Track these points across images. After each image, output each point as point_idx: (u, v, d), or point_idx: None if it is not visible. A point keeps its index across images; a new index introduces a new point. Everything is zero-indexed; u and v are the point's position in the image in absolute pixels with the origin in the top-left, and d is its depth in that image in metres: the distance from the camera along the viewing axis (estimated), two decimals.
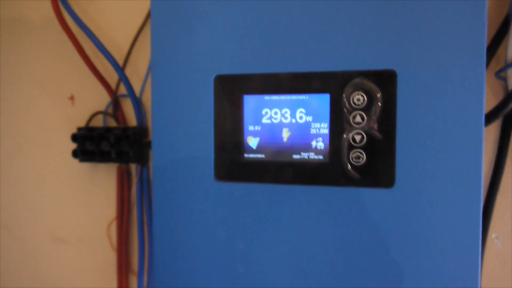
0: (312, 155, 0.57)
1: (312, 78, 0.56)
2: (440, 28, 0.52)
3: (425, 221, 0.53)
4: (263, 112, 0.59)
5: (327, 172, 0.57)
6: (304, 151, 0.57)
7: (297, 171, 0.58)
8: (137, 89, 0.88)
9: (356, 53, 0.54)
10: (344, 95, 0.55)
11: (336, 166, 0.56)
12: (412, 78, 0.53)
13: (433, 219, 0.53)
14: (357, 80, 0.55)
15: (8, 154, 1.01)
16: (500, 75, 0.68)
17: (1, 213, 1.02)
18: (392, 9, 0.53)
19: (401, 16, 0.53)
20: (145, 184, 0.88)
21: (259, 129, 0.59)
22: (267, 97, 0.58)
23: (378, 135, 0.54)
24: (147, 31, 0.88)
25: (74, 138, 0.88)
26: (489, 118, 0.63)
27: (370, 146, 0.55)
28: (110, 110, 0.90)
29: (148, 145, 0.87)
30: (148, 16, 0.87)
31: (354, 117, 0.55)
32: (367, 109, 0.54)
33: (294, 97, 0.57)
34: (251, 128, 0.59)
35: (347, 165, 0.56)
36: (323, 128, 0.56)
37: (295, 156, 0.58)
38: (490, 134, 0.72)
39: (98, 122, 0.92)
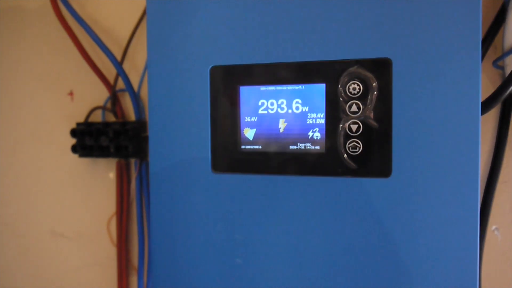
0: (309, 146, 0.57)
1: (308, 68, 0.56)
2: (436, 16, 0.52)
3: (423, 210, 0.53)
4: (260, 103, 0.59)
5: (324, 162, 0.57)
6: (301, 142, 0.57)
7: (294, 162, 0.58)
8: (135, 83, 0.88)
9: (351, 42, 0.54)
10: (339, 85, 0.55)
11: (333, 156, 0.56)
12: (407, 66, 0.53)
13: (430, 208, 0.53)
14: (352, 69, 0.54)
15: (8, 150, 1.01)
16: (497, 64, 0.68)
17: (1, 209, 1.03)
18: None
19: (396, 4, 0.52)
20: (144, 179, 0.88)
21: (255, 120, 0.59)
22: (263, 88, 0.58)
23: (374, 124, 0.54)
24: (145, 25, 0.88)
25: (73, 133, 0.88)
26: (486, 105, 0.62)
27: (366, 135, 0.55)
28: (109, 105, 0.90)
29: (147, 139, 0.87)
30: (146, 11, 0.86)
31: (350, 106, 0.55)
32: (363, 98, 0.54)
33: (290, 87, 0.57)
34: (247, 119, 0.59)
35: (343, 155, 0.56)
36: (320, 118, 0.56)
37: (292, 147, 0.58)
38: (488, 123, 0.72)
39: (97, 117, 0.93)
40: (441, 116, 0.52)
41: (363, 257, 0.55)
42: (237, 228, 0.60)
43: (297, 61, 0.57)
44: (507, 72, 0.66)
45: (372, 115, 0.54)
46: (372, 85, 0.54)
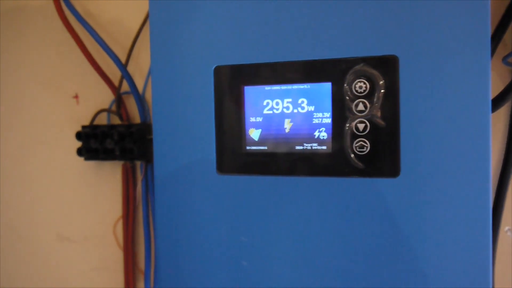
0: (315, 146, 0.56)
1: (313, 67, 0.55)
2: (443, 12, 0.50)
3: (432, 211, 0.52)
4: (264, 103, 0.58)
5: (330, 162, 0.56)
6: (307, 142, 0.56)
7: (300, 163, 0.57)
8: (140, 85, 0.88)
9: (357, 39, 0.53)
10: (346, 83, 0.54)
11: (340, 156, 0.55)
12: (415, 63, 0.51)
13: (440, 209, 0.51)
14: (358, 67, 0.53)
15: (13, 153, 1.01)
16: (507, 60, 0.67)
17: (7, 213, 1.03)
18: None
19: (402, 0, 0.51)
20: (150, 181, 0.88)
21: (260, 120, 0.58)
22: (268, 88, 0.57)
23: (381, 122, 0.53)
24: (148, 28, 0.87)
25: (79, 136, 0.88)
26: (496, 103, 0.61)
27: (373, 135, 0.54)
28: (114, 108, 0.90)
29: (152, 141, 0.87)
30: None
31: (356, 105, 0.54)
32: (369, 96, 0.53)
33: (295, 86, 0.56)
34: (252, 119, 0.58)
35: (350, 155, 0.55)
36: (326, 117, 0.55)
37: (298, 147, 0.57)
38: (499, 121, 0.70)
39: (103, 120, 0.92)
40: (450, 114, 0.51)
41: (372, 258, 0.54)
42: (242, 230, 0.59)
43: (302, 60, 0.56)
44: None
45: (379, 113, 0.53)
46: (378, 83, 0.53)
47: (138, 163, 0.90)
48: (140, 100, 0.86)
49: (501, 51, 0.69)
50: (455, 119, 0.50)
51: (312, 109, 0.56)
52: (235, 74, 0.58)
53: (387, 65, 0.52)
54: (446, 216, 0.51)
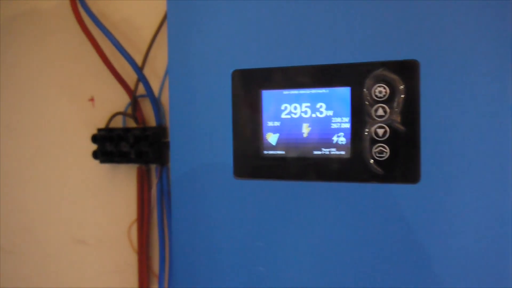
0: (334, 151, 0.55)
1: (332, 71, 0.55)
2: (465, 16, 0.50)
3: (453, 218, 0.51)
4: (282, 107, 0.57)
5: (349, 168, 0.55)
6: (325, 147, 0.56)
7: (318, 168, 0.56)
8: (155, 89, 0.88)
9: (377, 44, 0.53)
10: (365, 88, 0.53)
11: (359, 162, 0.55)
12: (436, 68, 0.51)
13: (461, 216, 0.51)
14: (378, 72, 0.53)
15: (29, 156, 1.01)
16: None
17: (23, 215, 1.03)
18: None
19: (423, 3, 0.51)
20: (165, 185, 0.87)
21: (278, 124, 0.58)
22: (286, 92, 0.57)
23: (401, 128, 0.52)
24: (165, 30, 0.87)
25: (94, 139, 0.88)
26: None
27: (393, 140, 0.53)
28: (129, 111, 0.90)
29: (168, 145, 0.87)
30: (166, 17, 0.86)
31: (376, 110, 0.53)
32: (389, 101, 0.53)
33: (314, 91, 0.56)
34: (270, 124, 0.58)
35: (369, 160, 0.54)
36: (344, 122, 0.55)
37: (316, 152, 0.56)
38: None
39: (118, 123, 0.92)
40: (471, 119, 0.50)
41: (390, 265, 0.53)
42: (259, 235, 0.58)
43: (321, 64, 0.55)
44: None
45: (399, 119, 0.52)
46: (398, 88, 0.52)
47: (153, 167, 0.90)
48: (156, 103, 0.86)
49: None
50: (476, 124, 0.50)
51: (331, 113, 0.55)
52: (253, 78, 0.58)
53: (407, 70, 0.52)
54: (467, 223, 0.51)
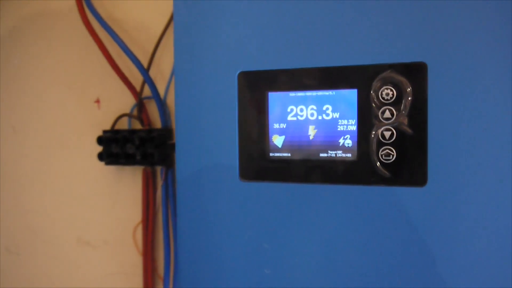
0: (340, 153, 0.55)
1: (339, 73, 0.55)
2: (472, 18, 0.49)
3: (460, 221, 0.50)
4: (289, 109, 0.57)
5: (355, 170, 0.55)
6: (332, 149, 0.56)
7: (324, 170, 0.56)
8: (161, 90, 0.88)
9: (384, 46, 0.52)
10: (372, 90, 0.53)
11: (365, 164, 0.54)
12: (443, 70, 0.50)
13: (469, 219, 0.50)
14: (385, 74, 0.52)
15: (35, 157, 1.02)
16: None
17: (29, 216, 1.03)
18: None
19: (431, 4, 0.50)
20: (170, 187, 0.87)
21: (284, 127, 0.57)
22: (292, 94, 0.57)
23: (408, 130, 0.52)
24: (171, 32, 0.87)
25: (100, 140, 0.88)
26: None
27: (400, 143, 0.52)
28: (135, 112, 0.90)
29: (173, 147, 0.87)
30: (172, 17, 0.86)
31: (383, 113, 0.53)
32: (396, 103, 0.52)
33: (320, 93, 0.56)
34: (276, 126, 0.58)
35: (376, 163, 0.54)
36: (351, 124, 0.54)
37: (322, 155, 0.56)
38: None
39: (124, 125, 0.92)
40: (479, 122, 0.49)
41: (397, 268, 0.53)
42: (265, 237, 0.58)
43: (328, 66, 0.55)
44: None
45: (406, 121, 0.52)
46: (406, 90, 0.52)
47: (159, 168, 0.90)
48: (162, 105, 0.86)
49: None
50: (484, 127, 0.49)
51: (337, 116, 0.55)
52: (259, 80, 0.58)
53: (415, 72, 0.51)
54: (474, 226, 0.50)
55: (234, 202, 0.59)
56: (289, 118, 0.57)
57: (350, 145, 0.55)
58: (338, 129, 0.55)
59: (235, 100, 0.59)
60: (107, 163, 0.89)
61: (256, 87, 0.58)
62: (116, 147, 0.87)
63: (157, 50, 0.88)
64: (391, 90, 0.52)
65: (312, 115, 0.56)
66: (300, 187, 0.57)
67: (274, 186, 0.58)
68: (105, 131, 0.89)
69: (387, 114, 0.53)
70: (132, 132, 0.86)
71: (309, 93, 0.56)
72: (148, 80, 0.84)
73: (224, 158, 0.59)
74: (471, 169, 0.50)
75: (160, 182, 0.89)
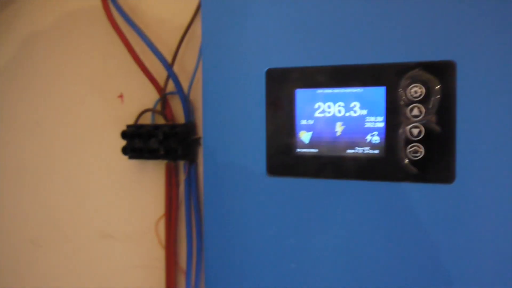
0: (367, 150, 0.56)
1: (367, 71, 0.55)
2: (502, 17, 0.50)
3: (488, 218, 0.51)
4: (316, 106, 0.58)
5: (383, 167, 0.55)
6: (359, 146, 0.56)
7: (351, 166, 0.56)
8: (185, 86, 0.89)
9: (413, 44, 0.53)
10: (400, 88, 0.54)
11: (393, 161, 0.55)
12: (472, 69, 0.51)
13: (496, 216, 0.51)
14: (414, 72, 0.53)
15: (58, 152, 1.03)
16: None
17: (51, 210, 1.05)
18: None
19: (460, 4, 0.51)
20: (193, 182, 0.88)
21: (312, 123, 0.58)
22: (320, 91, 0.57)
23: (437, 128, 0.52)
24: (195, 28, 0.88)
25: (124, 135, 0.89)
26: None
27: (428, 140, 0.53)
28: (158, 108, 0.91)
29: (196, 142, 0.88)
30: (196, 13, 0.87)
31: (411, 110, 0.53)
32: (425, 101, 0.53)
33: (348, 90, 0.56)
34: (303, 122, 0.58)
35: (404, 160, 0.54)
36: (379, 121, 0.55)
37: (349, 151, 0.57)
38: None
39: (147, 120, 0.94)
40: (507, 120, 0.50)
41: (423, 265, 0.53)
42: (292, 232, 0.59)
43: (356, 64, 0.55)
44: None
45: (434, 119, 0.53)
46: (434, 88, 0.52)
47: (181, 163, 0.91)
48: (186, 100, 0.87)
49: None
50: (509, 127, 0.50)
51: (365, 112, 0.56)
52: (287, 76, 0.59)
53: (444, 70, 0.52)
54: (501, 223, 0.51)
55: (261, 197, 0.60)
56: (317, 114, 0.58)
57: (377, 142, 0.55)
58: (366, 125, 0.56)
59: (263, 96, 0.59)
60: (131, 157, 0.90)
61: (284, 84, 0.59)
62: (139, 141, 0.88)
63: (181, 45, 0.89)
64: (420, 88, 0.53)
65: (339, 111, 0.57)
66: (327, 182, 0.57)
67: (301, 182, 0.59)
68: (128, 126, 0.90)
69: (416, 111, 0.53)
70: (156, 127, 0.87)
71: (337, 90, 0.57)
72: (172, 75, 0.86)
73: (252, 153, 0.60)
74: (499, 168, 0.50)
75: (183, 177, 0.90)
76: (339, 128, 0.57)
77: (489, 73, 0.50)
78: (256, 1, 0.59)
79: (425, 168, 0.53)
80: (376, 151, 0.55)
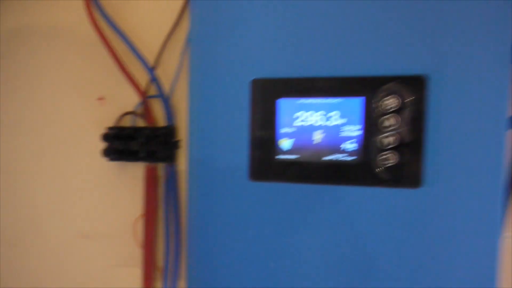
0: (344, 156, 0.60)
1: (346, 82, 0.59)
2: (467, 38, 0.55)
3: (451, 219, 0.56)
4: (297, 115, 0.61)
5: (358, 172, 0.59)
6: (336, 153, 0.60)
7: (329, 172, 0.60)
8: (166, 89, 0.91)
9: (389, 59, 0.57)
10: (376, 99, 0.58)
11: (367, 167, 0.59)
12: (441, 83, 0.55)
13: (458, 217, 0.56)
14: (390, 85, 0.57)
15: (38, 153, 1.04)
16: None
17: (29, 210, 1.05)
18: (423, 18, 0.56)
19: (432, 25, 0.55)
20: (172, 183, 0.91)
21: (292, 131, 0.62)
22: (301, 100, 0.61)
23: (408, 137, 0.57)
24: (177, 32, 0.91)
25: (105, 137, 0.91)
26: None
27: (400, 148, 0.57)
28: (139, 110, 0.93)
29: (176, 144, 0.90)
30: (179, 17, 0.89)
31: (385, 120, 0.58)
32: (398, 112, 0.57)
33: (327, 100, 0.60)
34: (284, 130, 0.62)
35: (377, 166, 0.58)
36: (355, 130, 0.59)
37: (328, 157, 0.60)
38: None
39: (126, 122, 0.95)
40: (471, 131, 0.55)
41: (394, 262, 0.58)
42: (272, 234, 0.62)
43: (336, 76, 0.59)
44: None
45: (406, 129, 0.57)
46: (407, 100, 0.57)
47: (161, 165, 0.93)
48: (168, 103, 0.89)
49: None
50: (475, 135, 0.55)
51: (343, 121, 0.60)
52: (270, 87, 0.62)
53: (416, 84, 0.56)
54: (464, 224, 0.55)
55: (243, 201, 0.63)
56: (297, 123, 0.62)
57: (354, 149, 0.59)
58: (344, 134, 0.60)
59: (247, 104, 0.63)
60: (111, 159, 0.92)
61: (267, 94, 0.62)
62: (120, 143, 0.90)
63: (164, 50, 0.91)
64: (394, 100, 0.57)
65: (319, 120, 0.61)
66: (306, 187, 0.61)
67: (282, 186, 0.62)
68: (110, 128, 0.92)
69: (389, 121, 0.57)
70: (137, 129, 0.89)
71: (317, 100, 0.61)
72: (155, 79, 0.88)
73: (235, 159, 0.63)
74: (463, 174, 0.55)
75: (162, 178, 0.92)
76: (318, 135, 0.61)
77: (457, 87, 0.55)
78: (242, 14, 0.62)
79: (396, 174, 0.58)
80: (352, 158, 0.59)
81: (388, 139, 0.58)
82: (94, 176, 0.99)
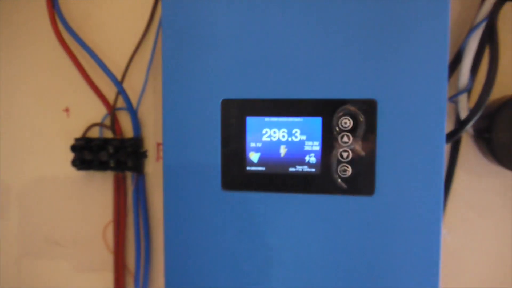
0: (306, 168, 0.68)
1: (307, 104, 0.67)
2: (408, 64, 0.64)
3: (401, 223, 0.65)
4: (264, 131, 0.69)
5: (318, 182, 0.68)
6: (299, 165, 0.68)
7: (293, 182, 0.68)
8: (133, 102, 0.96)
9: (344, 84, 0.66)
10: (334, 119, 0.66)
11: (326, 177, 0.67)
12: (389, 105, 0.64)
13: (407, 221, 0.65)
14: (345, 107, 0.66)
15: (8, 162, 1.04)
16: (453, 100, 0.82)
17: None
18: (373, 51, 0.64)
19: (380, 54, 0.64)
20: (141, 191, 0.96)
21: (260, 145, 0.69)
22: (267, 119, 0.68)
23: (361, 152, 0.66)
24: (143, 48, 0.95)
25: (73, 148, 0.94)
26: (450, 137, 0.77)
27: (355, 161, 0.66)
28: (106, 122, 0.97)
29: (144, 154, 0.95)
30: (145, 34, 0.94)
31: (342, 137, 0.66)
32: (353, 130, 0.66)
33: (290, 119, 0.68)
34: (253, 145, 0.69)
35: (335, 177, 0.67)
36: (315, 145, 0.67)
37: (291, 169, 0.68)
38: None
39: (93, 134, 0.99)
40: (415, 145, 0.64)
41: (352, 262, 0.67)
42: (244, 239, 0.70)
43: (298, 98, 0.67)
44: (461, 106, 0.80)
45: (360, 144, 0.66)
46: (360, 120, 0.65)
47: (129, 174, 0.98)
48: (135, 116, 0.94)
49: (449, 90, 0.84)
50: (418, 149, 0.64)
51: (304, 138, 0.68)
52: (239, 106, 0.69)
53: (368, 106, 0.65)
54: (413, 227, 0.65)
55: (217, 209, 0.70)
56: (264, 138, 0.69)
57: (314, 162, 0.68)
58: (305, 148, 0.68)
59: (219, 122, 0.69)
60: (79, 169, 0.95)
61: (236, 112, 0.69)
62: (89, 154, 0.94)
63: (130, 64, 0.96)
64: (349, 119, 0.66)
65: (283, 136, 0.68)
66: (272, 195, 0.69)
67: (251, 195, 0.69)
68: (78, 139, 0.95)
69: (345, 138, 0.66)
70: (106, 140, 0.94)
71: (281, 119, 0.68)
72: (122, 92, 0.92)
73: (209, 170, 0.70)
74: (410, 183, 0.65)
75: (131, 187, 0.97)
76: (283, 150, 0.69)
77: (403, 109, 0.64)
78: (213, 40, 0.69)
79: (352, 183, 0.67)
80: (313, 170, 0.68)
81: (345, 153, 0.66)
82: (62, 186, 1.02)
